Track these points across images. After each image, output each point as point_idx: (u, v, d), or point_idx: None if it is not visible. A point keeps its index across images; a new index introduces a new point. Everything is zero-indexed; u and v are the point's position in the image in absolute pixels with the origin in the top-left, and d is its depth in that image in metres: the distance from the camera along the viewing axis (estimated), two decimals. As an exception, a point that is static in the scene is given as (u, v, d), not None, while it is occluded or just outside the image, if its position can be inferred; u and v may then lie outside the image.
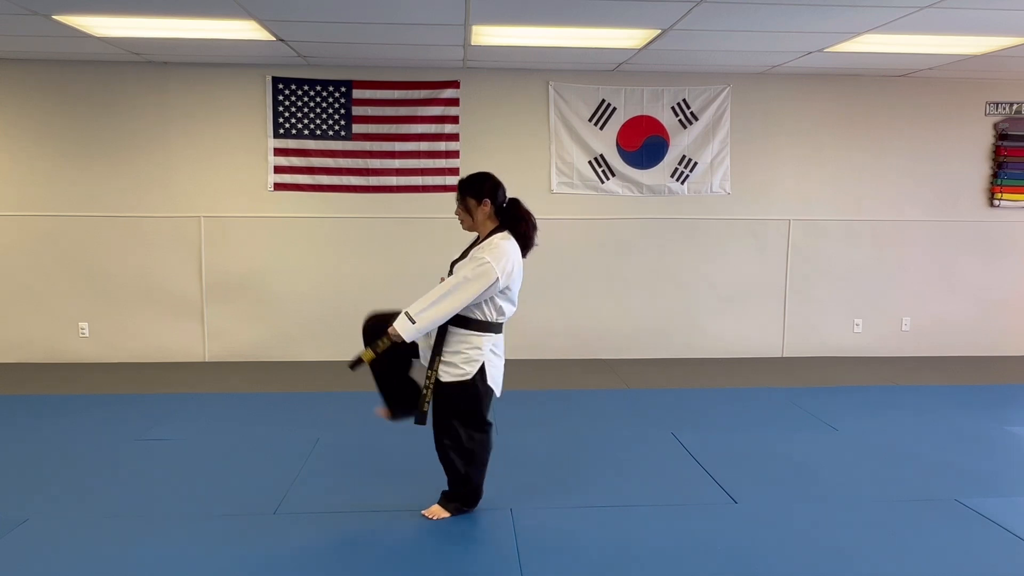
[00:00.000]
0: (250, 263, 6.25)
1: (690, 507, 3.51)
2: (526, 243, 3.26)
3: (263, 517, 3.37)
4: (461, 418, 3.24)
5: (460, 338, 3.17)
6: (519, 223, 3.24)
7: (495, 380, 3.26)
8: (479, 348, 3.18)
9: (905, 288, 6.71)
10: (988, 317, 6.78)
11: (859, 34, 4.91)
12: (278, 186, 6.18)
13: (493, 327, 3.22)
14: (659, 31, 4.87)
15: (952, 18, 4.47)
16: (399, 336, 3.06)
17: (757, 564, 2.99)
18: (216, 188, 6.18)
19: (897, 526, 3.32)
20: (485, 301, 3.15)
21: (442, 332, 3.16)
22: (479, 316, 3.17)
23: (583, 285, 6.47)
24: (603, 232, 6.43)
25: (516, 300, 3.29)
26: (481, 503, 3.43)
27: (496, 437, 4.40)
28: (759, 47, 5.34)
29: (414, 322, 3.05)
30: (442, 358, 3.17)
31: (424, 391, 3.19)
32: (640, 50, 5.40)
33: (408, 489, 3.52)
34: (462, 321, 3.16)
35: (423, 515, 3.35)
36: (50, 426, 4.59)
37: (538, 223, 3.31)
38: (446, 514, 3.35)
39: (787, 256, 6.61)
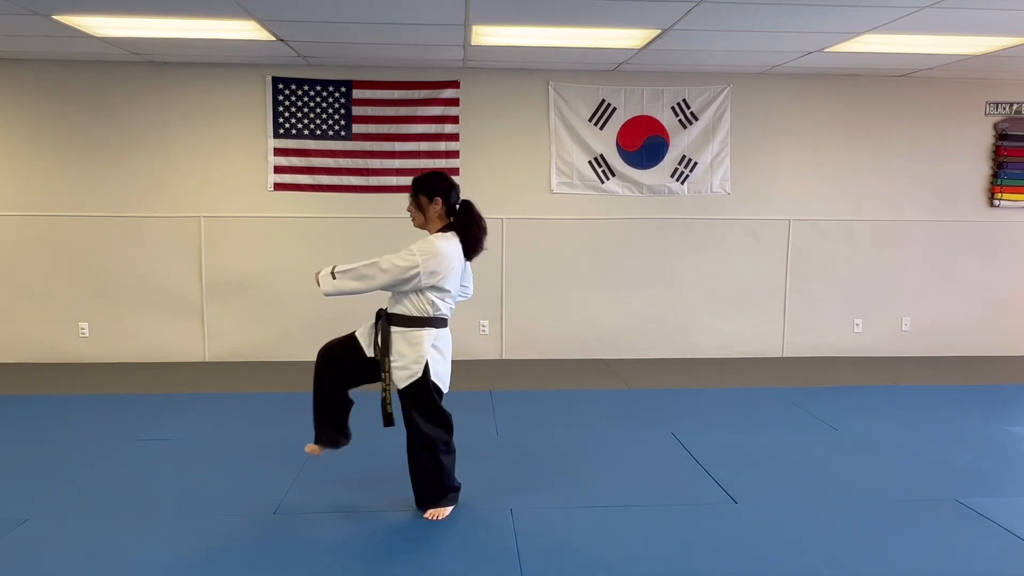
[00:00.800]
0: (250, 263, 6.25)
1: (690, 507, 3.51)
2: (475, 246, 3.28)
3: (263, 517, 3.37)
4: (424, 417, 3.25)
5: (400, 337, 3.20)
6: (470, 226, 3.26)
7: (439, 376, 3.27)
8: (420, 344, 3.19)
9: (905, 288, 6.71)
10: (988, 317, 6.78)
11: (859, 34, 4.91)
12: (278, 186, 6.19)
13: (431, 322, 3.22)
14: (659, 31, 4.87)
15: (952, 18, 4.47)
16: (317, 282, 3.21)
17: (757, 564, 2.99)
18: (216, 188, 6.18)
19: (897, 526, 3.32)
20: (415, 294, 3.17)
21: (386, 335, 3.19)
22: (412, 312, 3.19)
23: (583, 285, 6.46)
24: (603, 232, 6.43)
25: (454, 299, 3.30)
26: (481, 503, 3.44)
27: (496, 437, 4.47)
28: (759, 47, 5.34)
29: (334, 279, 3.17)
30: (391, 361, 3.19)
31: (384, 393, 3.21)
32: (640, 50, 5.40)
33: (408, 489, 3.50)
34: (398, 319, 3.20)
35: (426, 517, 3.34)
36: (50, 426, 4.59)
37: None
38: (447, 511, 3.36)
39: (787, 256, 6.61)
